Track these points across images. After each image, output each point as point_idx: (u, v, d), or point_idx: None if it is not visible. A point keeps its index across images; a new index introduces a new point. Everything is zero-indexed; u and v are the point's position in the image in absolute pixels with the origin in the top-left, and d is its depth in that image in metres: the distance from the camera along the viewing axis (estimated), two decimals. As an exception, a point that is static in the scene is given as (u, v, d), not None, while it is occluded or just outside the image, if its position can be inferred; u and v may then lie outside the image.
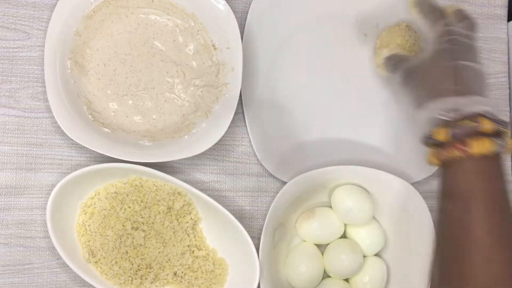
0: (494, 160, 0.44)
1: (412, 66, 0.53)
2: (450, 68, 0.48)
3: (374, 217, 0.59)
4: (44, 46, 0.53)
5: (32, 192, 0.56)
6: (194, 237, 0.56)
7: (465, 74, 0.48)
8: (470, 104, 0.45)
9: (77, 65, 0.55)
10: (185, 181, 0.53)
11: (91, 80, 0.55)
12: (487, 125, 0.44)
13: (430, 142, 0.47)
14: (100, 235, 0.54)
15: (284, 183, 0.57)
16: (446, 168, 0.46)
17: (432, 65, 0.50)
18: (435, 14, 0.53)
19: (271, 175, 0.59)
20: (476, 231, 0.42)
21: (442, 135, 0.46)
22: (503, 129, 0.45)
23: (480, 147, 0.43)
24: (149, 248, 0.55)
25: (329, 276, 0.58)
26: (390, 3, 0.63)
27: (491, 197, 0.43)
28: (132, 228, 0.55)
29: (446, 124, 0.46)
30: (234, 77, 0.55)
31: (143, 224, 0.55)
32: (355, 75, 0.63)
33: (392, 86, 0.63)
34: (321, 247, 0.59)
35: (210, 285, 0.56)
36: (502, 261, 0.41)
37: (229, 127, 0.54)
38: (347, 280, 0.58)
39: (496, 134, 0.45)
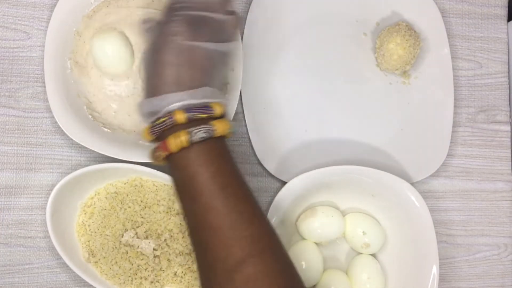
0: (207, 145, 0.43)
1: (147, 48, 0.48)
2: (162, 55, 0.45)
3: (374, 217, 0.59)
4: (44, 46, 0.53)
5: (32, 192, 0.56)
6: (194, 237, 0.56)
7: (178, 61, 0.45)
8: (165, 103, 0.44)
9: (77, 65, 0.55)
10: (185, 181, 0.53)
11: (91, 80, 0.55)
12: (179, 117, 0.43)
13: (146, 141, 0.47)
14: (100, 235, 0.54)
15: (284, 183, 0.57)
16: (169, 167, 0.46)
17: (153, 48, 0.46)
18: None
19: (271, 175, 0.59)
20: (211, 220, 0.42)
21: (146, 136, 0.45)
22: (198, 115, 0.44)
23: (176, 141, 0.42)
24: (149, 248, 0.55)
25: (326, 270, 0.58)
26: (390, 3, 0.64)
27: (211, 184, 0.43)
28: (132, 228, 0.55)
29: (150, 124, 0.45)
30: (234, 77, 0.55)
31: (143, 224, 0.55)
32: (355, 75, 0.63)
33: (392, 86, 0.63)
34: (321, 247, 0.59)
35: (210, 285, 0.56)
36: (238, 242, 0.41)
37: (229, 127, 0.54)
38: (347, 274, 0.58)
39: (201, 122, 0.44)
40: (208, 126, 0.43)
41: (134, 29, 0.55)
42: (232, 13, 0.48)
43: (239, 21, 0.52)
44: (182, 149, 0.43)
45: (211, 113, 0.44)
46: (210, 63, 0.46)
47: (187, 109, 0.43)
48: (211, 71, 0.46)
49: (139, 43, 0.54)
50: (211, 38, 0.46)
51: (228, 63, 0.50)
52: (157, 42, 0.46)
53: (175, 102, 0.43)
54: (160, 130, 0.44)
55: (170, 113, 0.43)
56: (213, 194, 0.43)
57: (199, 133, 0.43)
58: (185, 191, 0.44)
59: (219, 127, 0.44)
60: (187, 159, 0.43)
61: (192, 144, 0.43)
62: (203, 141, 0.43)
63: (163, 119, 0.44)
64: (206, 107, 0.44)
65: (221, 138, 0.45)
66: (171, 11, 0.47)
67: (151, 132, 0.45)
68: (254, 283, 0.40)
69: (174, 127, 0.43)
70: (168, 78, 0.44)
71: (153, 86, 0.45)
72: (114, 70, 0.54)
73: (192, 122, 0.43)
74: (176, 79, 0.44)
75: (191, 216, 0.44)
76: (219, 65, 0.48)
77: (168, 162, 0.45)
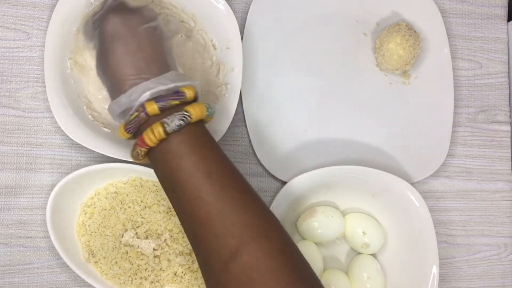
0: (184, 134, 0.42)
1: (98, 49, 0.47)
2: (112, 52, 0.44)
3: (374, 217, 0.59)
4: (44, 46, 0.53)
5: (32, 192, 0.56)
6: (194, 237, 0.56)
7: (131, 48, 0.43)
8: (134, 96, 0.42)
9: (77, 65, 0.55)
10: (185, 181, 0.53)
11: (91, 80, 0.55)
12: (151, 108, 0.41)
13: (124, 141, 0.46)
14: (100, 235, 0.54)
15: (284, 183, 0.57)
16: (151, 162, 0.44)
17: (100, 50, 0.46)
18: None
19: (271, 175, 0.59)
20: (197, 211, 0.41)
21: (123, 135, 0.44)
22: (171, 103, 0.42)
23: (151, 135, 0.41)
24: (149, 248, 0.55)
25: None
26: (390, 3, 0.64)
27: (193, 174, 0.41)
28: (132, 228, 0.55)
29: (124, 122, 0.43)
30: (234, 77, 0.55)
31: (143, 224, 0.55)
32: (355, 75, 0.63)
33: (392, 86, 0.63)
34: (321, 247, 0.59)
35: (210, 285, 0.56)
36: (229, 230, 0.40)
37: (229, 127, 0.54)
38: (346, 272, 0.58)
39: (175, 110, 0.42)
40: (182, 112, 0.41)
41: None
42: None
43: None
44: (160, 142, 0.42)
45: (183, 98, 0.43)
46: (157, 42, 0.45)
47: (157, 98, 0.42)
48: (162, 51, 0.45)
49: None
50: (143, 20, 0.45)
51: (164, 39, 0.47)
52: (101, 43, 0.45)
53: (143, 93, 0.42)
54: (135, 126, 0.43)
55: (141, 107, 0.42)
56: (197, 184, 0.41)
57: (174, 121, 0.41)
58: (168, 185, 0.43)
59: (194, 112, 0.42)
60: (167, 152, 0.42)
61: (169, 135, 0.41)
62: (180, 130, 0.41)
63: (135, 114, 0.42)
64: (176, 92, 0.43)
65: (200, 124, 0.44)
66: (96, 15, 0.47)
67: (126, 130, 0.43)
68: (251, 272, 0.38)
69: (149, 120, 0.42)
70: (128, 71, 0.43)
71: (116, 85, 0.44)
72: None
73: (166, 112, 0.42)
74: (135, 70, 0.43)
75: (179, 210, 0.43)
76: (162, 43, 0.46)
77: (149, 158, 0.44)
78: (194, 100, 0.44)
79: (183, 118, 0.41)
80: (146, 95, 0.42)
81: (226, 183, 0.42)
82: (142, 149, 0.42)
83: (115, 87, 0.44)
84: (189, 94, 0.43)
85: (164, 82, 0.42)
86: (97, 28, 0.47)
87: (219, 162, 0.43)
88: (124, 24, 0.45)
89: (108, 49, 0.44)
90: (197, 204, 0.41)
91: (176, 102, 0.42)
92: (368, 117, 0.62)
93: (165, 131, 0.41)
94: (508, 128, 0.67)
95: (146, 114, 0.42)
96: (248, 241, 0.39)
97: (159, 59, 0.45)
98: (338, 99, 0.62)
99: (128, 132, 0.43)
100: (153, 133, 0.41)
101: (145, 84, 0.42)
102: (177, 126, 0.41)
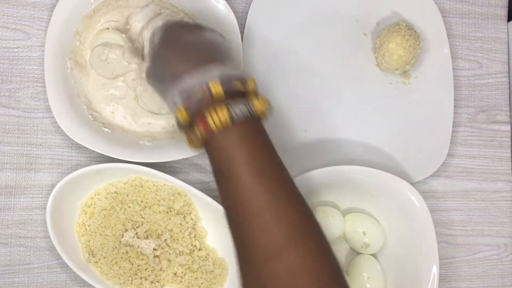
0: (246, 125, 0.42)
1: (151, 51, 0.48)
2: (175, 45, 0.45)
3: (374, 217, 0.59)
4: (44, 46, 0.53)
5: (32, 192, 0.56)
6: (194, 237, 0.56)
7: (192, 43, 0.45)
8: (199, 77, 0.42)
9: (77, 65, 0.55)
10: (185, 181, 0.53)
11: (91, 80, 0.55)
12: (215, 89, 0.41)
13: (181, 126, 0.45)
14: (100, 235, 0.54)
15: (284, 183, 0.57)
16: (206, 148, 0.44)
17: (160, 51, 0.47)
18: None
19: (271, 175, 0.59)
20: (249, 201, 0.40)
21: (181, 115, 0.43)
22: (236, 84, 0.42)
23: (215, 117, 0.41)
24: (149, 248, 0.55)
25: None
26: (390, 3, 0.64)
27: (249, 165, 0.41)
28: (132, 228, 0.55)
29: (185, 103, 0.43)
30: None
31: (143, 224, 0.55)
32: (355, 75, 0.63)
33: (392, 86, 0.63)
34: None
35: (210, 285, 0.56)
36: (278, 227, 0.39)
37: (229, 127, 0.54)
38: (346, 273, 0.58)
39: (240, 96, 0.42)
40: (246, 101, 0.42)
41: (131, 32, 0.55)
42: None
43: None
44: (223, 130, 0.41)
45: (247, 85, 0.43)
46: (224, 45, 0.47)
47: (223, 81, 0.42)
48: (225, 52, 0.47)
49: (134, 47, 0.54)
50: (207, 31, 0.47)
51: (227, 50, 0.49)
52: (170, 29, 0.47)
53: (210, 72, 0.42)
54: (196, 107, 0.42)
55: (206, 86, 0.42)
56: (252, 176, 0.41)
57: (239, 106, 0.41)
58: (222, 171, 0.42)
59: (259, 104, 0.42)
60: (227, 139, 0.41)
61: (233, 124, 0.41)
62: (244, 121, 0.41)
63: (199, 92, 0.42)
64: (241, 80, 0.43)
65: (259, 119, 0.44)
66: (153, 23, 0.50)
67: (185, 108, 0.42)
68: (294, 269, 0.38)
69: (212, 104, 0.41)
70: (199, 55, 0.44)
71: (184, 64, 0.44)
72: (109, 74, 0.54)
73: (230, 99, 0.42)
74: (203, 55, 0.44)
75: (228, 198, 0.42)
76: (227, 50, 0.48)
77: (205, 145, 0.43)
78: (255, 94, 0.45)
79: (247, 106, 0.42)
80: (214, 73, 0.42)
81: (279, 180, 0.42)
82: (201, 130, 0.41)
83: (178, 72, 0.43)
84: (251, 84, 0.44)
85: (231, 68, 0.43)
86: (159, 32, 0.48)
87: (273, 158, 0.43)
88: (187, 27, 0.47)
89: (173, 40, 0.45)
90: (250, 194, 0.40)
91: (240, 87, 0.43)
92: (368, 117, 0.62)
93: (229, 114, 0.41)
94: (508, 128, 0.67)
95: (210, 94, 0.41)
96: (296, 240, 0.39)
97: (223, 55, 0.46)
98: (338, 99, 0.62)
99: (186, 110, 0.42)
100: (217, 114, 0.41)
101: (212, 65, 0.43)
102: (241, 111, 0.41)
